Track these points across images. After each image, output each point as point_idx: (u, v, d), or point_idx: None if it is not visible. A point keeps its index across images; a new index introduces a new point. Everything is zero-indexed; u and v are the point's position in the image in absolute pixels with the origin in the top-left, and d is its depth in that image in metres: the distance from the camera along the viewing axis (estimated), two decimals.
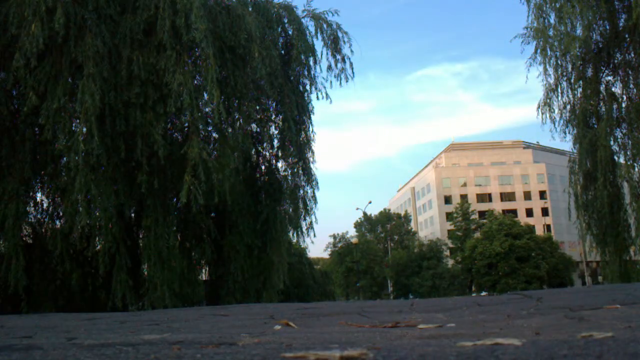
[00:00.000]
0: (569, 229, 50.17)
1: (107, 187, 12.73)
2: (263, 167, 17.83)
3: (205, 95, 14.19)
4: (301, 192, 17.15)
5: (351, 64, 17.00)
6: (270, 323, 4.20)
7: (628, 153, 18.02)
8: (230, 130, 15.12)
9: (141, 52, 12.87)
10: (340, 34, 16.95)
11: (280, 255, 17.08)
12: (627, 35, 18.13)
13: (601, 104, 18.73)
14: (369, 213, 73.20)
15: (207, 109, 14.99)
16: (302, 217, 17.03)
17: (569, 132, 19.11)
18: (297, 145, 16.48)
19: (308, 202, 17.10)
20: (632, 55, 18.18)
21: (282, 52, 16.77)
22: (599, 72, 18.95)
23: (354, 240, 58.58)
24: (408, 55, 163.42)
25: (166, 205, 14.49)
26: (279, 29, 16.71)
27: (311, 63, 16.79)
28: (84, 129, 12.15)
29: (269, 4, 16.49)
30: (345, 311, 5.56)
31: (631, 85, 18.20)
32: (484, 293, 47.58)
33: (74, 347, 2.13)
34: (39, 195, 15.31)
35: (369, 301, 11.60)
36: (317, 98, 16.93)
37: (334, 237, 64.23)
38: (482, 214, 68.75)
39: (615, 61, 18.80)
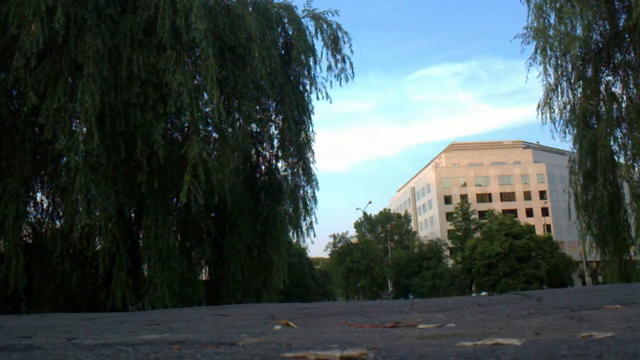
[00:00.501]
0: (569, 229, 50.18)
1: (107, 187, 12.74)
2: (263, 167, 17.84)
3: (205, 95, 14.20)
4: (301, 192, 17.18)
5: (351, 64, 17.04)
6: (270, 323, 4.20)
7: (628, 153, 18.03)
8: (230, 130, 15.12)
9: (141, 52, 12.87)
10: (340, 34, 16.98)
11: (280, 255, 17.09)
12: (627, 35, 18.13)
13: (601, 104, 18.73)
14: (369, 213, 73.26)
15: (207, 109, 15.00)
16: (302, 217, 17.05)
17: (569, 132, 19.13)
18: (297, 145, 16.49)
19: (308, 202, 17.13)
20: (632, 55, 18.18)
21: (282, 52, 16.78)
22: (599, 72, 18.95)
23: (354, 240, 58.56)
24: (408, 55, 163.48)
25: (166, 205, 14.49)
26: (279, 29, 16.72)
27: (311, 63, 16.83)
28: (84, 129, 12.15)
29: (269, 4, 16.50)
30: (345, 311, 5.56)
31: (631, 85, 18.20)
32: (484, 293, 47.58)
33: (74, 347, 2.13)
34: (39, 195, 15.34)
35: (369, 301, 11.61)
36: (317, 98, 16.97)
37: (334, 237, 64.26)
38: (482, 214, 68.76)
39: (615, 61, 18.80)
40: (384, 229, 72.42)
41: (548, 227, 75.17)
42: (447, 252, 64.87)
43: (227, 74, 14.41)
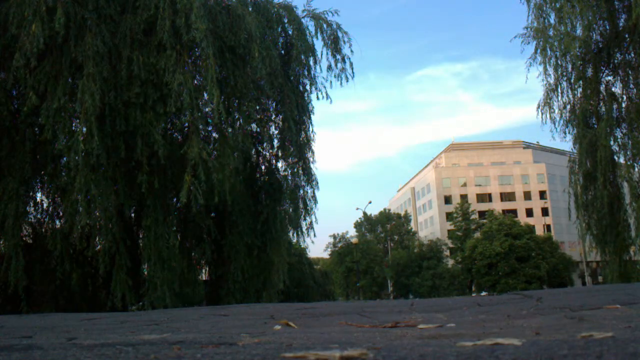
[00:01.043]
0: (569, 229, 50.17)
1: (107, 187, 12.73)
2: (263, 167, 17.83)
3: (205, 95, 14.19)
4: (301, 192, 17.16)
5: (351, 64, 17.02)
6: (270, 323, 4.20)
7: (628, 153, 18.02)
8: (230, 130, 15.11)
9: (141, 52, 12.87)
10: (340, 34, 16.97)
11: (280, 255, 17.08)
12: (627, 35, 18.13)
13: (601, 104, 18.72)
14: (369, 213, 73.27)
15: (207, 109, 14.99)
16: (302, 217, 17.03)
17: (569, 132, 19.13)
18: (297, 145, 16.48)
19: (308, 202, 17.12)
20: (632, 55, 18.18)
21: (282, 52, 16.77)
22: (599, 72, 18.95)
23: (354, 240, 58.56)
24: (408, 55, 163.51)
25: (166, 205, 14.49)
26: (279, 29, 16.71)
27: (311, 63, 16.81)
28: (84, 129, 12.15)
29: (269, 4, 16.49)
30: (345, 311, 5.56)
31: (631, 85, 18.20)
32: (484, 293, 47.59)
33: (74, 347, 2.13)
34: (39, 195, 15.34)
35: (369, 301, 11.61)
36: (317, 98, 16.95)
37: (334, 237, 64.30)
38: (482, 214, 68.77)
39: (615, 61, 18.79)
40: (384, 229, 72.43)
41: (548, 227, 75.19)
42: (447, 252, 64.89)
43: (227, 74, 14.41)
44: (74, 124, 12.81)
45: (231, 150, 14.34)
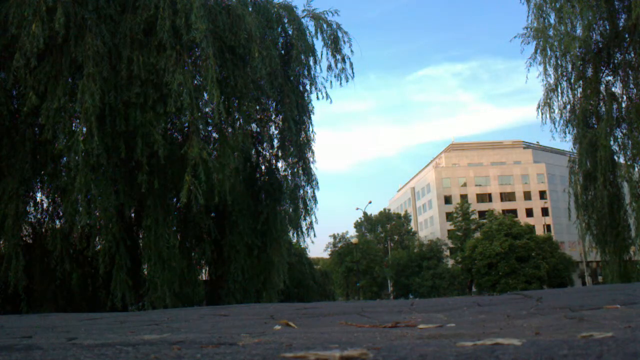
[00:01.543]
0: (569, 229, 50.17)
1: (107, 187, 12.73)
2: (263, 167, 17.83)
3: (205, 95, 14.19)
4: (301, 192, 17.16)
5: (351, 64, 17.02)
6: (270, 323, 4.20)
7: (628, 153, 18.02)
8: (230, 130, 15.11)
9: (141, 52, 12.87)
10: (340, 34, 16.97)
11: (280, 255, 17.08)
12: (627, 35, 18.12)
13: (601, 104, 18.72)
14: (369, 213, 73.33)
15: (207, 109, 14.99)
16: (302, 217, 17.03)
17: (569, 132, 19.13)
18: (297, 145, 16.48)
19: (308, 202, 17.12)
20: (632, 55, 18.18)
21: (282, 52, 16.76)
22: (599, 72, 18.95)
23: (354, 240, 58.57)
24: (408, 55, 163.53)
25: (166, 205, 14.48)
26: (279, 29, 16.70)
27: (311, 63, 16.80)
28: (84, 129, 12.14)
29: (269, 4, 16.48)
30: (345, 311, 5.56)
31: (631, 85, 18.19)
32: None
33: (74, 347, 2.13)
34: (39, 195, 15.32)
35: (369, 301, 11.60)
36: (317, 98, 16.95)
37: (334, 237, 64.28)
38: (482, 214, 68.75)
39: (615, 61, 18.79)
40: (384, 229, 72.47)
41: (548, 227, 75.18)
42: (447, 252, 64.88)
43: (227, 74, 14.41)
44: (74, 124, 12.80)
45: (231, 150, 14.34)
